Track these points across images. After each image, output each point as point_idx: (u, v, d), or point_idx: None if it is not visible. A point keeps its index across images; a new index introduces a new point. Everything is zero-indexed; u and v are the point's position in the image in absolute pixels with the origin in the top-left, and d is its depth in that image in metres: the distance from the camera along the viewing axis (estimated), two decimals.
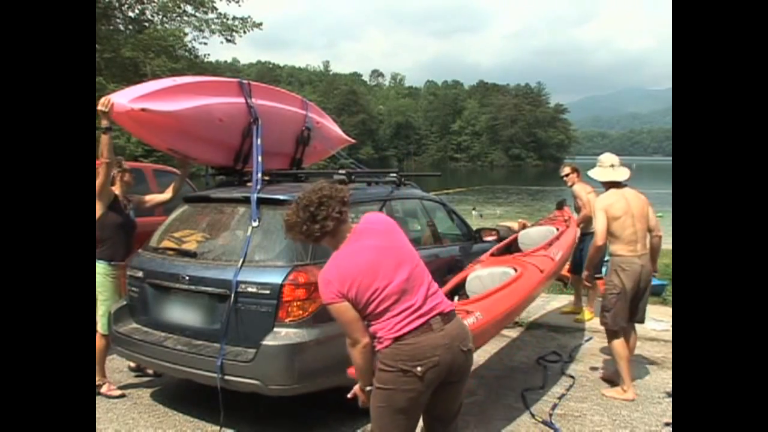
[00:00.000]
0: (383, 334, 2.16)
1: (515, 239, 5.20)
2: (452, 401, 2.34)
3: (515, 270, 3.95)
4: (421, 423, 2.38)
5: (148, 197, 4.47)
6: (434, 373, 2.14)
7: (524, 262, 4.16)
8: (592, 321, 5.89)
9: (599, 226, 4.05)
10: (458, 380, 2.27)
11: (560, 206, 6.33)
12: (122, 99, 3.57)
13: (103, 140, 3.69)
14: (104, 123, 3.61)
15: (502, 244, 5.08)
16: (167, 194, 4.44)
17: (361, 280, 2.15)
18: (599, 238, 4.04)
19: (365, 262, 2.18)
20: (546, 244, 4.66)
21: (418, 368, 2.11)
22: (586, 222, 5.80)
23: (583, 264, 5.85)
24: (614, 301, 3.99)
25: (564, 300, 6.67)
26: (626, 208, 3.98)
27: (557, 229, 5.25)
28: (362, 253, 2.20)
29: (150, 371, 4.24)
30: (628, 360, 4.04)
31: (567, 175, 6.08)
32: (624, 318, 4.03)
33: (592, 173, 4.27)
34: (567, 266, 6.97)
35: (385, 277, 2.16)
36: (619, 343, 4.02)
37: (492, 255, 4.71)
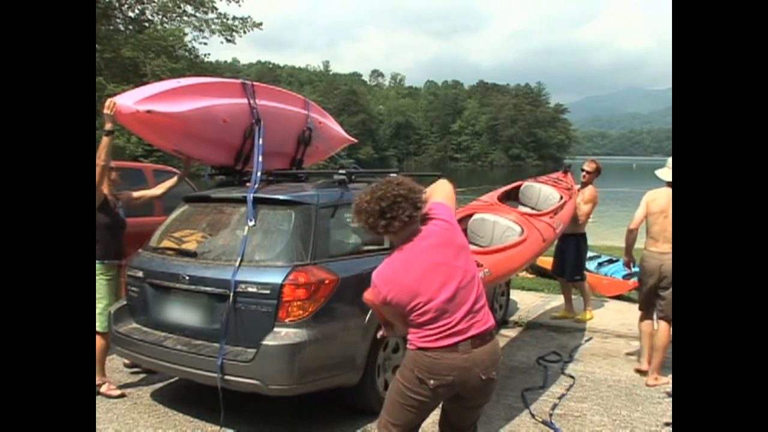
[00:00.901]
0: (413, 339, 2.24)
1: (518, 187, 5.11)
2: (465, 417, 2.41)
3: (521, 230, 3.90)
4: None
5: (137, 193, 4.41)
6: (446, 390, 2.22)
7: (530, 224, 4.11)
8: (592, 321, 5.89)
9: (638, 214, 4.44)
10: (473, 401, 2.33)
11: (566, 170, 6.17)
12: (128, 101, 3.58)
13: (104, 142, 3.69)
14: (108, 126, 3.62)
15: (506, 188, 5.02)
16: (158, 190, 4.43)
17: (405, 293, 2.20)
18: (633, 223, 4.46)
19: (414, 278, 2.20)
20: (551, 212, 4.64)
21: (431, 381, 2.18)
22: (573, 223, 5.80)
23: (566, 265, 5.88)
24: (641, 289, 4.56)
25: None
26: (664, 207, 4.22)
27: (561, 197, 5.19)
28: (414, 266, 2.21)
29: (146, 367, 4.23)
30: (649, 335, 4.47)
31: (589, 173, 5.86)
32: (645, 306, 4.55)
33: (659, 173, 4.35)
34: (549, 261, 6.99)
35: (429, 293, 2.18)
36: (644, 324, 4.58)
37: (498, 199, 4.69)
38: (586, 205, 5.72)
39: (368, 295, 2.33)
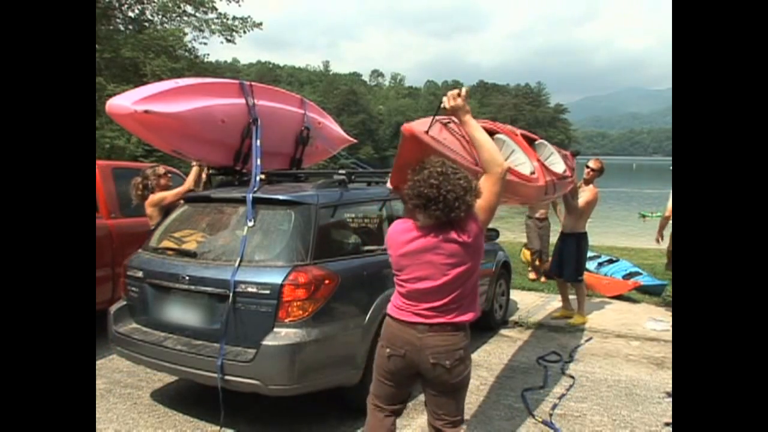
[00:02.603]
0: (390, 305, 2.47)
1: (534, 140, 5.08)
2: (433, 403, 2.45)
3: (533, 172, 3.82)
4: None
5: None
6: (399, 362, 2.38)
7: (542, 172, 4.05)
8: (591, 321, 5.89)
9: (669, 204, 5.41)
10: (432, 387, 2.41)
11: (573, 153, 6.15)
12: (126, 101, 3.58)
13: (194, 171, 4.51)
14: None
15: (525, 132, 4.99)
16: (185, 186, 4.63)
17: (395, 257, 2.39)
18: (668, 212, 5.56)
19: (407, 256, 2.35)
20: (559, 176, 4.58)
21: (387, 349, 2.41)
22: (572, 222, 5.79)
23: (563, 265, 5.86)
24: None
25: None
26: None
27: (565, 171, 5.22)
28: (412, 247, 2.33)
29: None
30: None
31: (594, 170, 5.83)
32: None
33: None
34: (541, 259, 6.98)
35: (409, 276, 2.35)
36: None
37: (522, 135, 4.66)
38: (581, 200, 5.70)
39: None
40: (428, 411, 2.50)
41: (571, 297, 6.11)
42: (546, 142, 5.12)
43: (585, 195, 5.73)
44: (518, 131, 4.60)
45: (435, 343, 2.32)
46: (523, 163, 3.85)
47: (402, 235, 2.37)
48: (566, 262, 5.83)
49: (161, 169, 4.70)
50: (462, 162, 2.52)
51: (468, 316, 2.38)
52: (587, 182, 5.85)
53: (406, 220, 2.44)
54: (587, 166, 5.92)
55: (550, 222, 7.80)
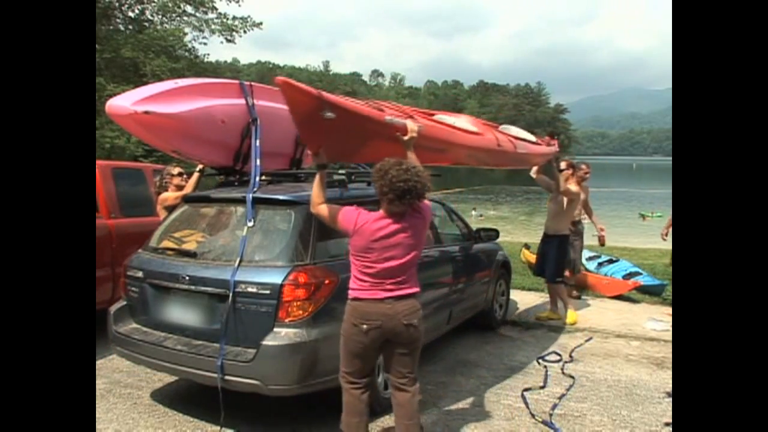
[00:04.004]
0: (354, 290, 2.86)
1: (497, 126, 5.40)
2: (398, 363, 2.91)
3: (478, 132, 4.42)
4: None
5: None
6: (377, 334, 2.81)
7: (488, 128, 4.72)
8: (592, 321, 5.89)
9: None
10: (402, 347, 2.87)
11: (552, 134, 6.22)
12: (125, 102, 3.57)
13: (195, 177, 4.48)
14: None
15: (485, 122, 5.38)
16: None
17: (364, 242, 2.81)
18: None
19: (377, 241, 2.80)
20: (517, 137, 5.08)
21: (364, 326, 2.79)
22: (555, 224, 5.79)
23: (546, 266, 5.87)
24: None
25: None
26: None
27: (534, 139, 5.54)
28: (383, 232, 2.80)
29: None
30: None
31: (561, 170, 5.84)
32: None
33: None
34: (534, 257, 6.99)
35: (378, 257, 2.79)
36: None
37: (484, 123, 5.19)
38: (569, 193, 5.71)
39: (346, 208, 2.94)
40: (393, 373, 2.95)
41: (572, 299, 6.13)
42: (510, 126, 5.53)
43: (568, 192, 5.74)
44: (479, 120, 5.17)
45: (403, 309, 2.82)
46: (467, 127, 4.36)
47: (374, 223, 2.82)
48: (547, 264, 5.87)
49: (174, 170, 4.83)
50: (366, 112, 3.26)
51: (416, 289, 2.91)
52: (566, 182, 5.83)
53: (368, 212, 2.88)
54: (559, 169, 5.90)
55: (582, 227, 6.96)
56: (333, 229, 3.07)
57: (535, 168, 5.94)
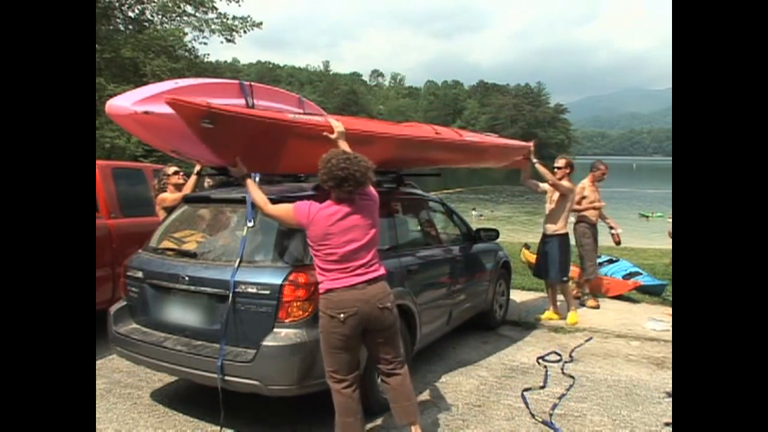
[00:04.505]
0: (324, 282, 2.88)
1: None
2: (382, 350, 2.97)
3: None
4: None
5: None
6: (355, 321, 2.83)
7: (432, 126, 4.84)
8: (592, 321, 5.89)
9: None
10: (380, 333, 2.92)
11: (531, 140, 6.17)
12: (125, 102, 3.57)
13: (194, 179, 4.50)
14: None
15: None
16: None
17: (321, 230, 2.86)
18: None
19: (334, 226, 2.86)
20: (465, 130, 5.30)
21: (341, 315, 2.81)
22: (552, 223, 5.78)
23: (550, 267, 5.83)
24: None
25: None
26: None
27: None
28: (336, 217, 2.87)
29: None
30: None
31: (559, 169, 5.77)
32: None
33: None
34: (534, 257, 6.99)
35: (338, 241, 2.84)
36: None
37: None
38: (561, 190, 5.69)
39: (298, 203, 2.97)
40: (380, 362, 3.00)
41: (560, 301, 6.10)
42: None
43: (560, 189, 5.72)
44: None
45: (376, 292, 2.88)
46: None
47: (327, 209, 2.89)
48: (551, 264, 5.84)
49: (169, 169, 4.88)
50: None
51: (383, 271, 2.97)
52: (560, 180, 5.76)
53: (318, 202, 2.94)
54: (555, 167, 5.85)
55: (596, 230, 6.68)
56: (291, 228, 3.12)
57: (523, 175, 5.92)
